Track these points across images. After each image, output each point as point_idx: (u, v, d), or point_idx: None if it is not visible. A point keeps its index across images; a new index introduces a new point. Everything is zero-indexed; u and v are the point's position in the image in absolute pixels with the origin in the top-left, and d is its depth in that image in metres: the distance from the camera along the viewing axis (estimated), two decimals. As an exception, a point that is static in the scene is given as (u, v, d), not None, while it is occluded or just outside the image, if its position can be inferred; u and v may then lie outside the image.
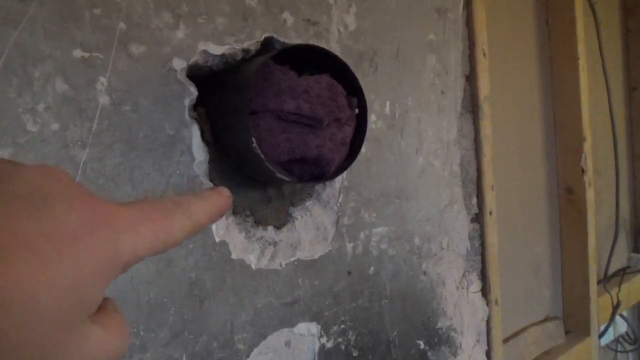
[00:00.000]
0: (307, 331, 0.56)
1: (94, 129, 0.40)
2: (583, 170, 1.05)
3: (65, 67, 0.39)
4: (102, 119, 0.41)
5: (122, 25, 0.42)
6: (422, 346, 0.69)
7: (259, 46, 0.51)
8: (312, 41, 0.56)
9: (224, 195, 0.26)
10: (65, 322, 0.17)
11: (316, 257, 0.57)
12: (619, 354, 1.38)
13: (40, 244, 0.17)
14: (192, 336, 0.46)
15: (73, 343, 0.17)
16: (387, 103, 0.65)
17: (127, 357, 0.42)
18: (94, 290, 0.18)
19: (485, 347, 0.80)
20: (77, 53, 0.39)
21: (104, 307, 0.20)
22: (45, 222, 0.17)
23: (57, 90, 0.38)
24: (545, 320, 1.04)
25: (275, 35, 0.52)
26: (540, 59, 1.07)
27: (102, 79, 0.40)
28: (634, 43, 1.41)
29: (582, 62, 1.04)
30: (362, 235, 0.62)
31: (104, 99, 0.41)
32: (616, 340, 1.34)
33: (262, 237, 0.52)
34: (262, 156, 0.43)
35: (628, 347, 1.38)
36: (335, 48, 0.58)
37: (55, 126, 0.38)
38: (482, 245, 0.80)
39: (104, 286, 0.19)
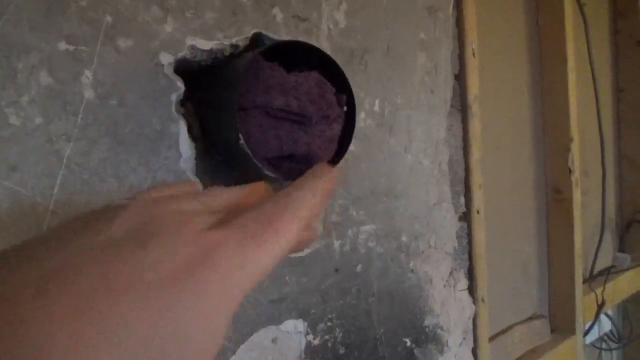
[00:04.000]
0: (294, 328, 0.56)
1: (78, 122, 0.40)
2: (570, 171, 1.06)
3: (50, 60, 0.38)
4: (88, 113, 0.40)
5: (108, 18, 0.41)
6: (408, 344, 0.70)
7: (248, 42, 0.51)
8: (302, 38, 0.55)
9: (328, 176, 0.23)
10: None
11: (304, 254, 0.57)
12: (603, 352, 1.40)
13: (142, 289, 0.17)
14: (177, 333, 0.46)
15: None
16: (377, 101, 0.65)
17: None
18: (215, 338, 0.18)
19: (471, 345, 0.81)
20: (62, 45, 0.39)
21: None
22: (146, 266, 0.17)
23: (42, 83, 0.38)
24: (532, 318, 1.05)
25: (264, 31, 0.52)
26: (530, 60, 1.07)
27: (87, 72, 0.40)
28: (623, 45, 1.43)
29: (571, 63, 1.05)
30: (350, 232, 0.62)
31: (89, 93, 0.40)
32: (601, 339, 1.36)
33: (249, 234, 0.52)
34: (250, 153, 0.43)
35: (612, 345, 1.40)
36: (325, 45, 0.58)
37: (39, 120, 0.38)
38: (470, 243, 0.80)
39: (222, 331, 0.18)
